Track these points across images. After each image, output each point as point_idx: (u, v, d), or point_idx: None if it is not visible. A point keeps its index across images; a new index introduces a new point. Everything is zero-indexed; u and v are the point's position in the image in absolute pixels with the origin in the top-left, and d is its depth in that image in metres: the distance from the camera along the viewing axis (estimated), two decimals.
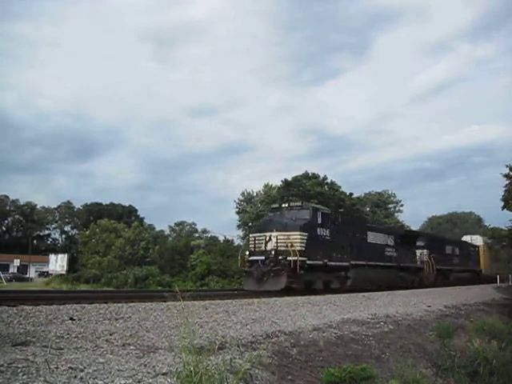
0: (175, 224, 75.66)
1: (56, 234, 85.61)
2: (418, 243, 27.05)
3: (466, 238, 41.39)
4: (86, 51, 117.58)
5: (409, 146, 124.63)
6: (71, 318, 6.96)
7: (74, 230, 79.67)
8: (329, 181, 47.97)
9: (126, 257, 47.29)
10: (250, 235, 17.84)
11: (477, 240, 40.36)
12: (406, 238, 25.55)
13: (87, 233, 54.65)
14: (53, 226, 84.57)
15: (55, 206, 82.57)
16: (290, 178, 46.86)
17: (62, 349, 4.88)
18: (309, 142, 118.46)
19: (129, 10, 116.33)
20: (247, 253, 17.11)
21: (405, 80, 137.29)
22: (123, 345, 5.38)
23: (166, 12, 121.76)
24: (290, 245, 15.69)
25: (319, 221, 17.50)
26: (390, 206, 62.53)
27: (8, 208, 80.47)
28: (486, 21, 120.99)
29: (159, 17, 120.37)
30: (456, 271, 31.21)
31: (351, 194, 48.77)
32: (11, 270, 59.74)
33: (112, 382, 3.82)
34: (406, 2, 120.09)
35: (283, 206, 18.23)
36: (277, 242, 15.91)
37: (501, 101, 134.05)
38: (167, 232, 72.39)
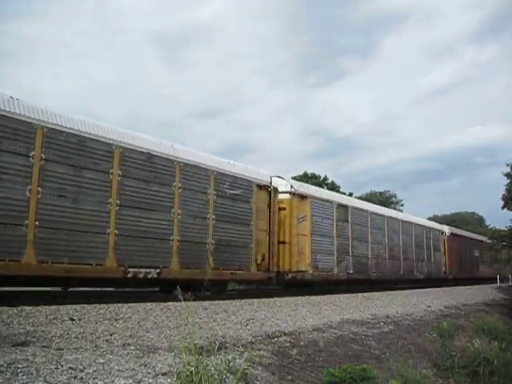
0: None
1: None
2: None
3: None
4: (92, 52, 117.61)
5: (412, 146, 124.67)
6: (71, 319, 6.95)
7: None
8: (329, 181, 48.07)
9: None
10: None
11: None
12: None
13: None
14: None
15: None
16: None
17: (62, 349, 4.88)
18: (313, 143, 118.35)
19: (135, 12, 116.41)
20: None
21: (409, 81, 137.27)
22: (123, 345, 5.38)
23: (173, 14, 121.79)
24: None
25: None
26: (391, 206, 62.45)
27: None
28: (491, 23, 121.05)
29: (166, 19, 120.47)
30: None
31: (351, 193, 48.80)
32: None
33: (112, 382, 3.82)
34: (412, 5, 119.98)
35: None
36: None
37: (504, 101, 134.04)
38: None
